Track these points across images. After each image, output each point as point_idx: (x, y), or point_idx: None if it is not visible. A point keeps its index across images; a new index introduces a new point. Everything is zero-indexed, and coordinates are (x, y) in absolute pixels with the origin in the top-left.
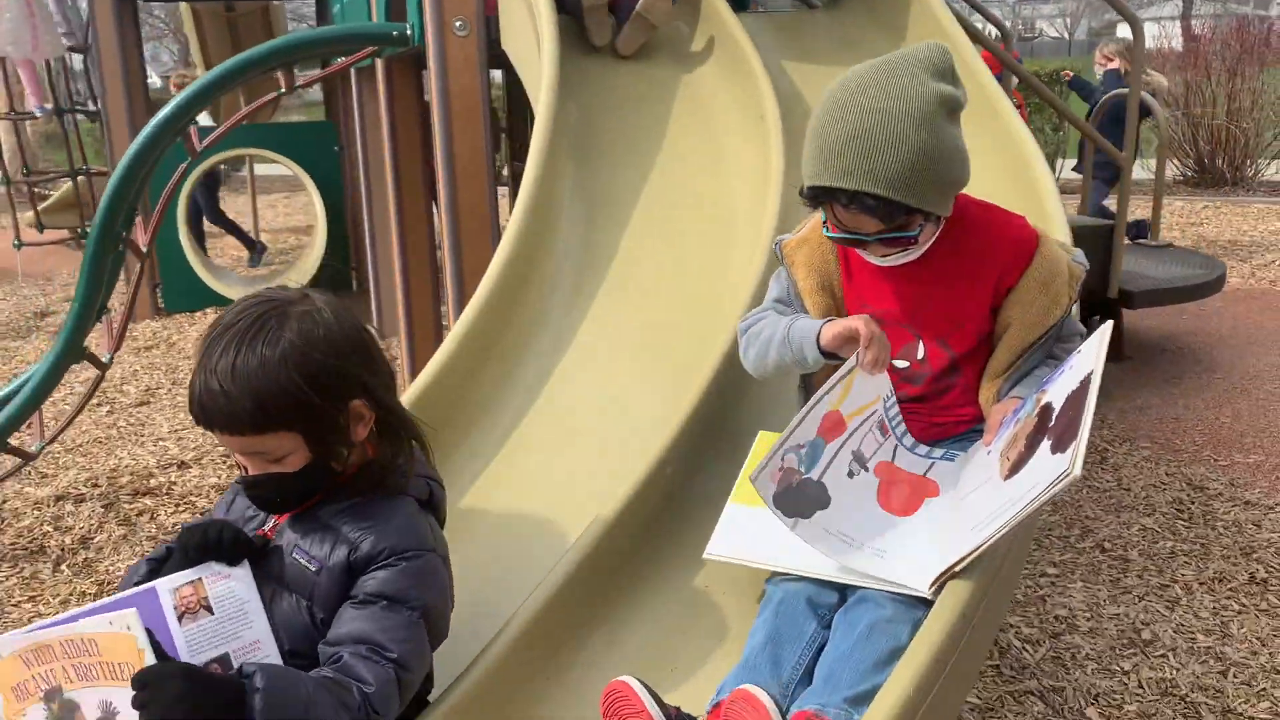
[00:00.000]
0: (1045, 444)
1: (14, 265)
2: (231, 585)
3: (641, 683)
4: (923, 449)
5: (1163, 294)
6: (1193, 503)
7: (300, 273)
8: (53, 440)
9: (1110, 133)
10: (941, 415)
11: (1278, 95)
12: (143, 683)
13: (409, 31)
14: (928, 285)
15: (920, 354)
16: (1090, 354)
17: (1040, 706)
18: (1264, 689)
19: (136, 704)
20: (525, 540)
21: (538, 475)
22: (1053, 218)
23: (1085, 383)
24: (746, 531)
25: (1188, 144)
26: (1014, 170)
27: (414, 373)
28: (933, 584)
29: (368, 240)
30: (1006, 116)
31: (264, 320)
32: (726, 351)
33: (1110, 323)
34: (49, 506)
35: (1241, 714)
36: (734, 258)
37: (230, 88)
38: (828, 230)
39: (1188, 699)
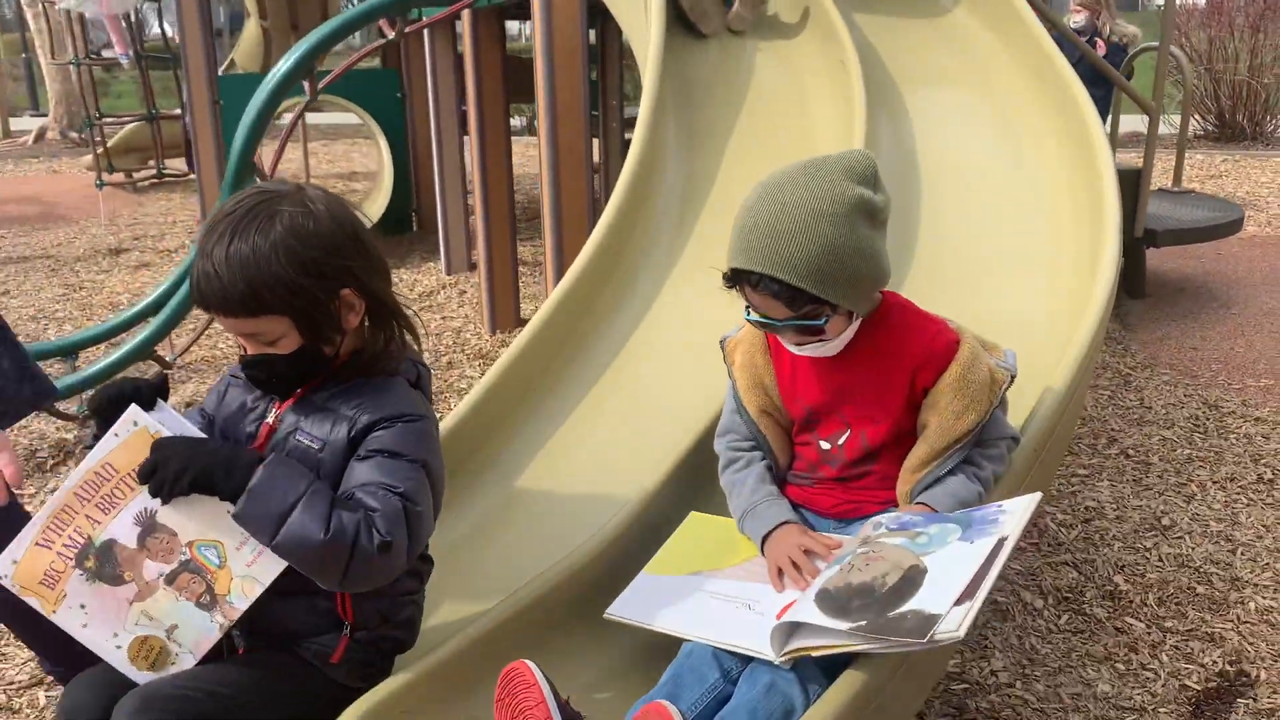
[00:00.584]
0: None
1: (71, 206)
2: (163, 417)
3: (541, 671)
4: (829, 523)
5: (1185, 234)
6: (1208, 419)
7: (366, 216)
8: (185, 351)
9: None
10: (856, 495)
11: None
12: (155, 449)
13: None
14: (850, 379)
15: (843, 440)
16: (1014, 518)
17: (1074, 574)
18: (1267, 563)
19: (145, 471)
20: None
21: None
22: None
23: (998, 546)
24: (652, 597)
25: (1209, 99)
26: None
27: (492, 303)
28: (783, 656)
29: (438, 184)
30: (1060, 67)
31: (258, 210)
32: None
33: (1039, 495)
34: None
35: (1247, 581)
36: None
37: (353, 31)
38: (748, 313)
39: (1201, 570)
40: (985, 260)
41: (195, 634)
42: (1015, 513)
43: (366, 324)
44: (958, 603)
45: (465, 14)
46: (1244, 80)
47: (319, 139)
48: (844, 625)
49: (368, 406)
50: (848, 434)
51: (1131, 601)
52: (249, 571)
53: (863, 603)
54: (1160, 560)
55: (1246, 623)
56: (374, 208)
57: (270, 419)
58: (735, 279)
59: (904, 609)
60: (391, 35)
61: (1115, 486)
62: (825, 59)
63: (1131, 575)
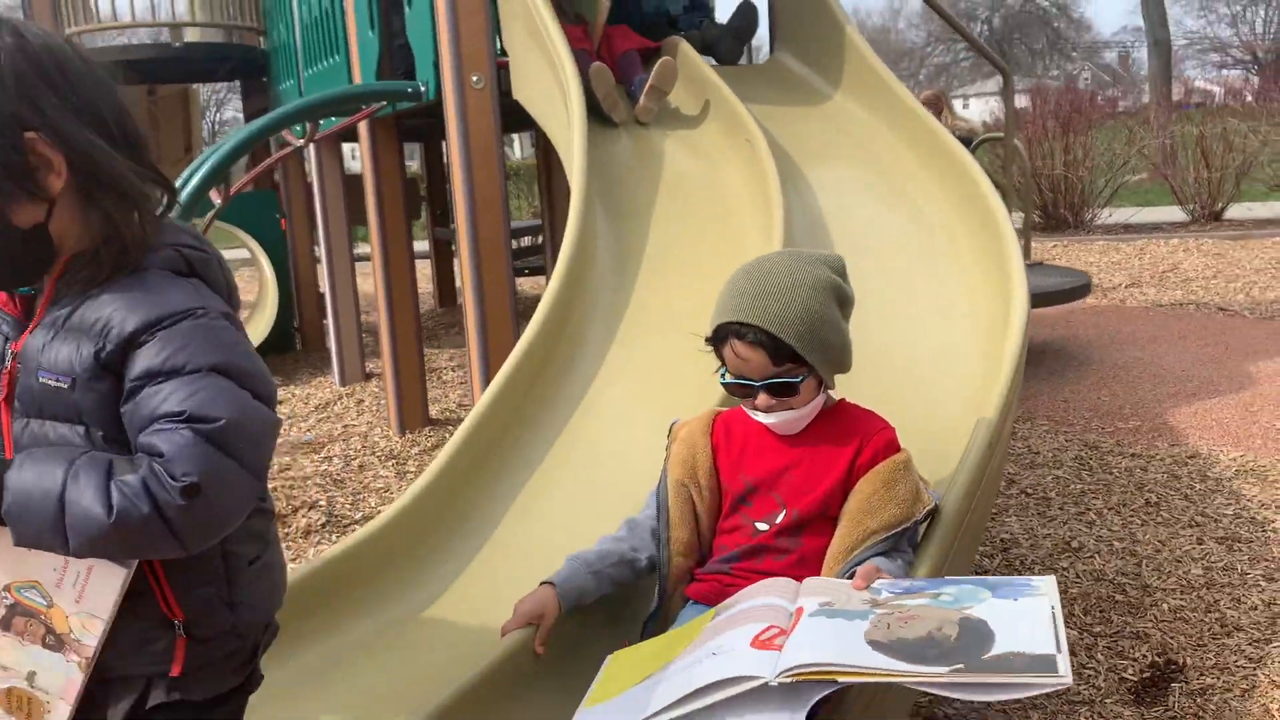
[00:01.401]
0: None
1: None
2: None
3: None
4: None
5: (1047, 297)
6: (1091, 458)
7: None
8: None
9: None
10: (777, 567)
11: (1105, 147)
12: None
13: (423, 88)
14: (795, 458)
15: (780, 518)
16: (1050, 589)
17: None
18: (1170, 571)
19: None
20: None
21: (575, 491)
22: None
23: (1053, 610)
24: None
25: (1034, 193)
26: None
27: (400, 405)
28: (781, 675)
29: (329, 299)
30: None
31: None
32: None
33: (1053, 577)
34: None
35: (1157, 587)
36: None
37: (254, 147)
38: (723, 376)
39: (1115, 581)
40: (899, 320)
41: (56, 678)
42: (1049, 587)
43: (86, 200)
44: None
45: (361, 129)
46: (1061, 175)
47: None
48: (942, 669)
49: (114, 315)
50: (783, 514)
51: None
52: (82, 607)
53: (938, 651)
54: (1077, 576)
55: (1164, 621)
56: (258, 329)
57: (5, 367)
58: (720, 337)
59: (1000, 652)
60: (300, 143)
61: (1023, 520)
62: (730, 139)
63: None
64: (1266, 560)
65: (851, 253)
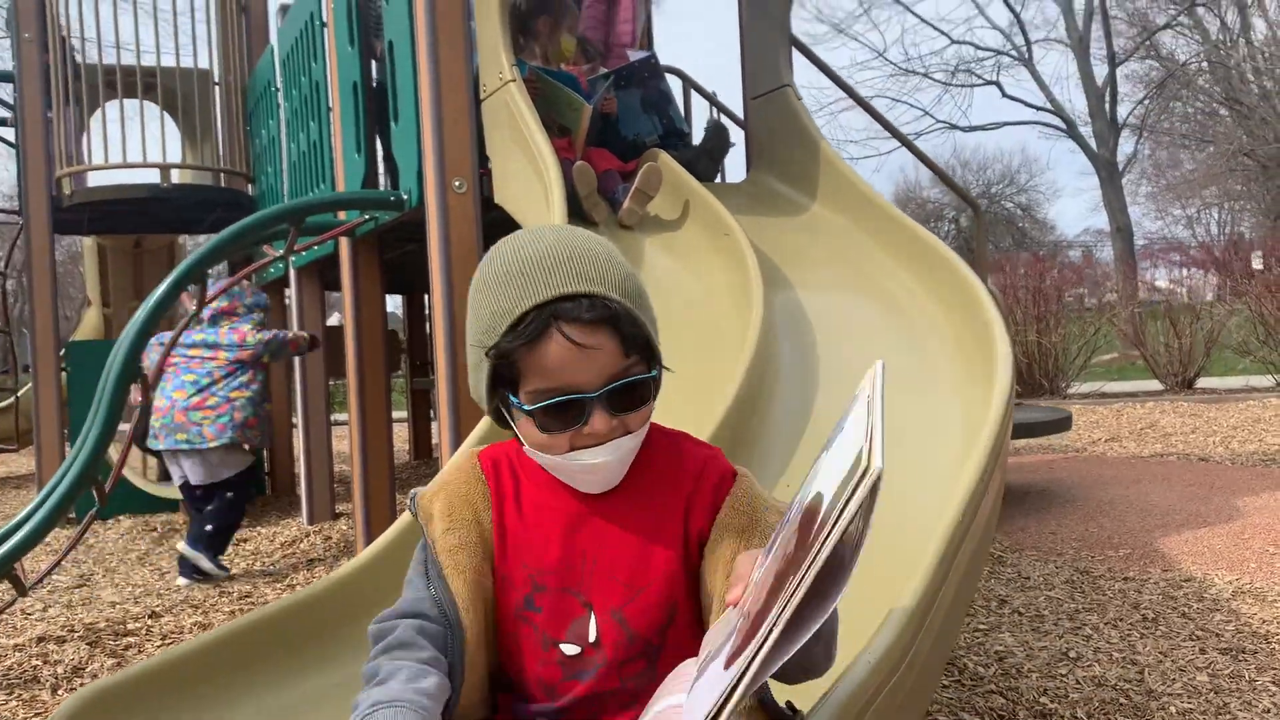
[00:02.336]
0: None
1: None
2: None
3: None
4: None
5: (1026, 428)
6: (1083, 581)
7: None
8: (48, 574)
9: None
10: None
11: (1076, 318)
12: None
13: (405, 196)
14: (603, 530)
15: (592, 634)
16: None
17: (1002, 700)
18: (1174, 677)
19: None
20: None
21: None
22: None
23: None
24: None
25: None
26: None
27: (369, 539)
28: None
29: (302, 444)
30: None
31: None
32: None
33: (881, 363)
34: (33, 646)
35: (1163, 692)
36: (724, 361)
37: (233, 253)
38: (520, 405)
39: (1118, 687)
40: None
41: None
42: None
43: None
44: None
45: (343, 249)
46: (1035, 342)
47: None
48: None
49: None
50: (593, 622)
51: (1063, 717)
52: None
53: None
54: (1078, 683)
55: None
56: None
57: None
58: (534, 332)
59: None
60: (279, 255)
61: (1017, 634)
62: (710, 238)
63: (1056, 697)
64: (1275, 669)
65: (832, 343)
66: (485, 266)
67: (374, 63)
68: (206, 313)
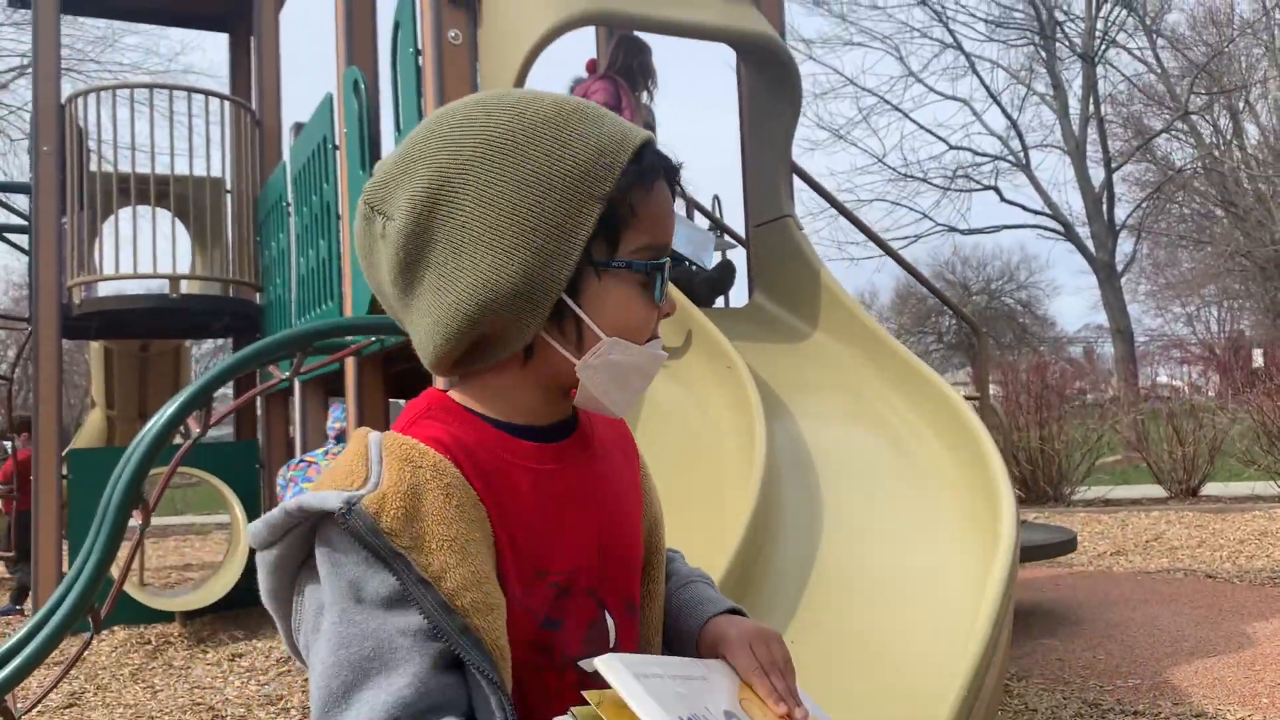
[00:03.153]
0: None
1: None
2: None
3: None
4: None
5: (1031, 550)
6: (1091, 715)
7: (215, 589)
8: (39, 701)
9: None
10: None
11: (1079, 424)
12: None
13: None
14: (597, 496)
15: (611, 637)
16: None
17: None
18: None
19: None
20: None
21: None
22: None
23: None
24: None
25: (1013, 466)
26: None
27: None
28: None
29: None
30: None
31: None
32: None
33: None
34: None
35: None
36: (726, 502)
37: (243, 373)
38: (659, 291)
39: None
40: (881, 543)
41: None
42: None
43: None
44: None
45: (348, 365)
46: (1038, 449)
47: (147, 538)
48: None
49: None
50: (610, 622)
51: None
52: None
53: None
54: None
55: None
56: (223, 581)
57: None
58: (651, 157)
59: None
60: (285, 376)
61: None
62: (711, 368)
63: None
64: None
65: (834, 482)
66: (528, 108)
67: None
68: (332, 431)
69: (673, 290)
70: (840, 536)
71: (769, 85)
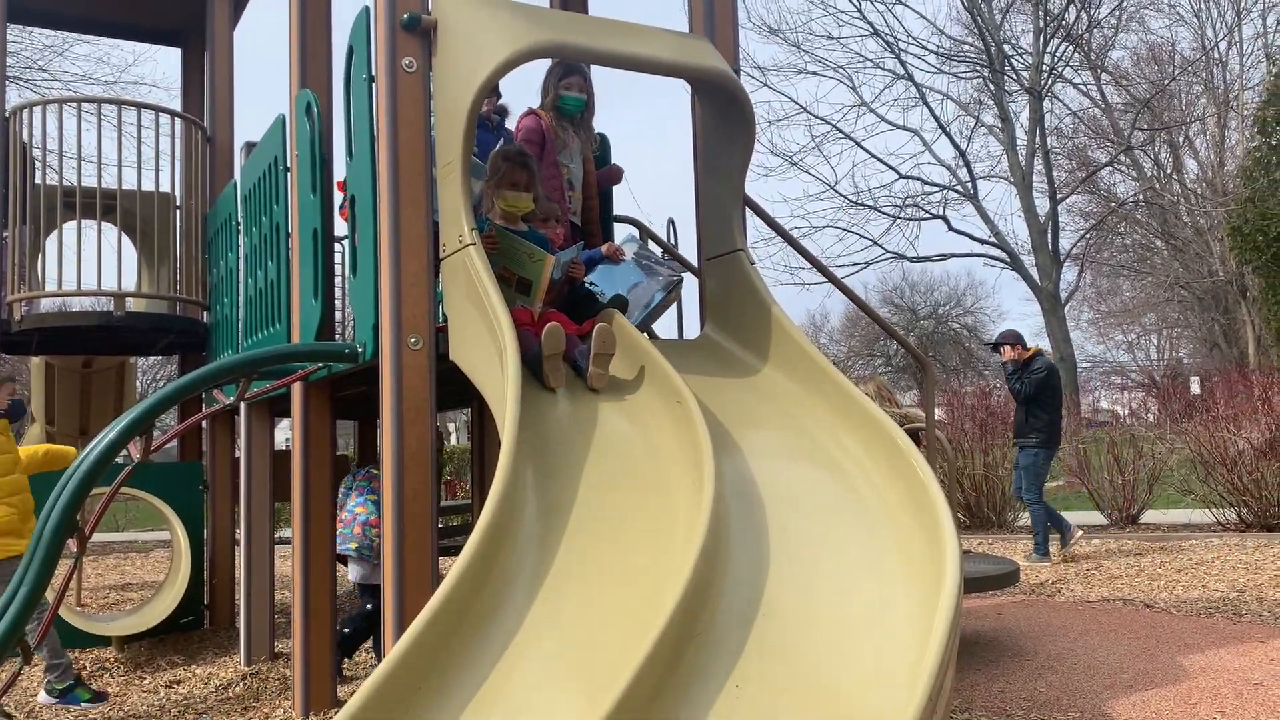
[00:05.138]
0: None
1: None
2: None
3: None
4: None
5: (975, 582)
6: None
7: (154, 613)
8: None
9: None
10: None
11: None
12: None
13: (360, 348)
14: None
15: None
16: None
17: None
18: None
19: None
20: None
21: None
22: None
23: None
24: None
25: (957, 493)
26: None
27: (306, 687)
28: None
29: (243, 575)
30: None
31: None
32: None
33: None
34: None
35: None
36: (675, 539)
37: (182, 400)
38: None
39: None
40: (826, 580)
41: None
42: None
43: None
44: None
45: (295, 391)
46: (982, 475)
47: (87, 556)
48: None
49: None
50: None
51: None
52: None
53: None
54: None
55: None
56: (164, 603)
57: None
58: None
59: None
60: (229, 402)
61: None
62: (663, 403)
63: None
64: None
65: (782, 519)
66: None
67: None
68: None
69: (626, 325)
70: (788, 575)
71: (723, 120)
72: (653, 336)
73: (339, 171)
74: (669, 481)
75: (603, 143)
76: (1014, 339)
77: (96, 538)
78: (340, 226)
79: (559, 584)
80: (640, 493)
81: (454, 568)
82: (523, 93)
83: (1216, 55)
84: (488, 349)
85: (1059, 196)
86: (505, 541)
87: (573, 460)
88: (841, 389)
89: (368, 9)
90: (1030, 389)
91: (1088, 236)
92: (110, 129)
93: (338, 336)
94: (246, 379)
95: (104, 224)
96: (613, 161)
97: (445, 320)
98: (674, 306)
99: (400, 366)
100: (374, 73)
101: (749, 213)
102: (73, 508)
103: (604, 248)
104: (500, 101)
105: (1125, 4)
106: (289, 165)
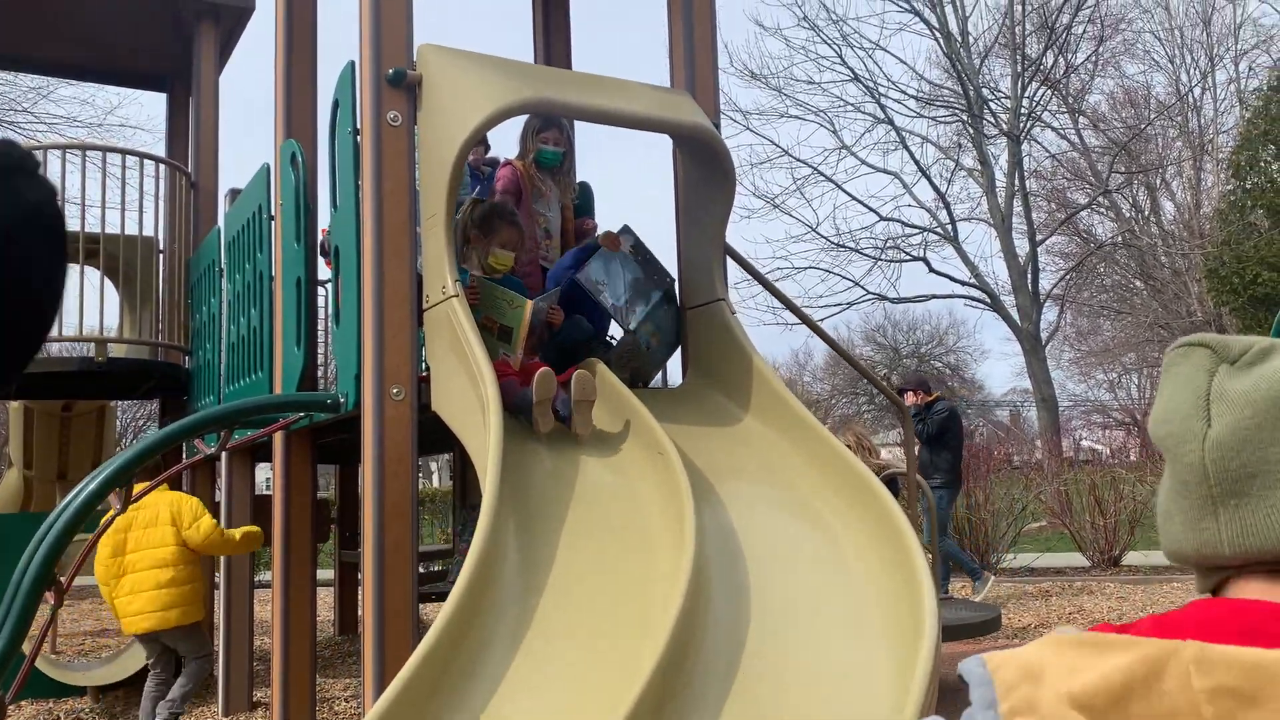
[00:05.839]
0: None
1: None
2: None
3: None
4: None
5: (955, 630)
6: None
7: (131, 662)
8: None
9: None
10: None
11: (1004, 493)
12: None
13: (342, 399)
14: None
15: None
16: None
17: None
18: None
19: None
20: None
21: None
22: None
23: None
24: None
25: (939, 536)
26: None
27: None
28: None
29: (221, 624)
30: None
31: None
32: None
33: None
34: None
35: None
36: (656, 594)
37: (164, 451)
38: None
39: None
40: (804, 634)
41: None
42: None
43: None
44: None
45: (276, 440)
46: (965, 517)
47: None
48: None
49: None
50: None
51: None
52: None
53: None
54: None
55: None
56: (137, 658)
57: None
58: None
59: None
60: (211, 452)
61: None
62: (645, 454)
63: None
64: None
65: (762, 567)
66: None
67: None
68: None
69: (607, 373)
70: (768, 631)
71: (704, 173)
72: (660, 344)
73: (323, 221)
74: (651, 535)
75: (584, 191)
76: (917, 384)
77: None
78: (324, 270)
79: (539, 643)
80: (622, 546)
81: (434, 625)
82: (511, 138)
83: (1191, 100)
84: (470, 401)
85: (1038, 238)
86: (485, 598)
87: (554, 512)
88: (822, 440)
89: (353, 63)
90: (933, 429)
91: (1067, 277)
92: (94, 167)
93: (321, 383)
94: (228, 429)
95: (87, 267)
96: (593, 213)
97: (428, 370)
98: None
99: (382, 418)
100: (358, 126)
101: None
102: (51, 560)
103: (600, 236)
104: (490, 154)
105: (1101, 50)
106: (273, 214)
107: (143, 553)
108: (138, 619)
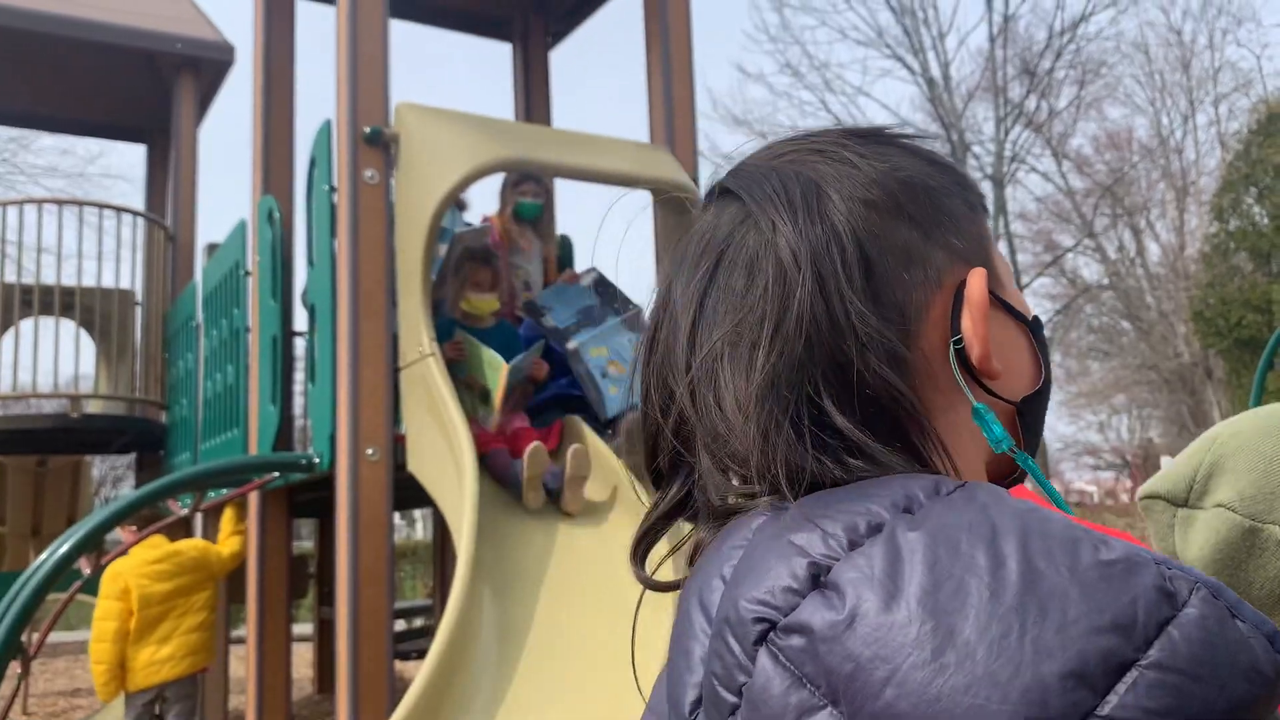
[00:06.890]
0: None
1: None
2: None
3: None
4: None
5: None
6: None
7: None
8: None
9: None
10: None
11: None
12: None
13: (316, 459)
14: None
15: None
16: None
17: None
18: None
19: None
20: None
21: None
22: None
23: None
24: None
25: None
26: None
27: None
28: None
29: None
30: None
31: None
32: None
33: None
34: None
35: None
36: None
37: (136, 513)
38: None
39: None
40: None
41: None
42: None
43: None
44: None
45: (253, 498)
46: None
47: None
48: None
49: None
50: None
51: None
52: None
53: None
54: None
55: None
56: (114, 714)
57: None
58: None
59: None
60: (183, 512)
61: None
62: (629, 519)
63: None
64: None
65: None
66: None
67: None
68: None
69: (595, 446)
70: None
71: (683, 229)
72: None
73: (299, 277)
74: (631, 600)
75: (565, 244)
76: None
77: (46, 639)
78: (301, 320)
79: (515, 716)
80: (600, 613)
81: (407, 694)
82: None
83: (1173, 143)
84: (446, 464)
85: (1025, 281)
86: (460, 667)
87: (532, 579)
88: None
89: (329, 121)
90: None
91: (1055, 319)
92: (72, 221)
93: (298, 438)
94: (201, 492)
95: (63, 320)
96: (574, 263)
97: (405, 429)
98: None
99: (357, 479)
100: (335, 183)
101: None
102: (18, 628)
103: (564, 274)
104: (468, 210)
105: (1083, 94)
106: (250, 270)
107: (188, 598)
108: (166, 665)
